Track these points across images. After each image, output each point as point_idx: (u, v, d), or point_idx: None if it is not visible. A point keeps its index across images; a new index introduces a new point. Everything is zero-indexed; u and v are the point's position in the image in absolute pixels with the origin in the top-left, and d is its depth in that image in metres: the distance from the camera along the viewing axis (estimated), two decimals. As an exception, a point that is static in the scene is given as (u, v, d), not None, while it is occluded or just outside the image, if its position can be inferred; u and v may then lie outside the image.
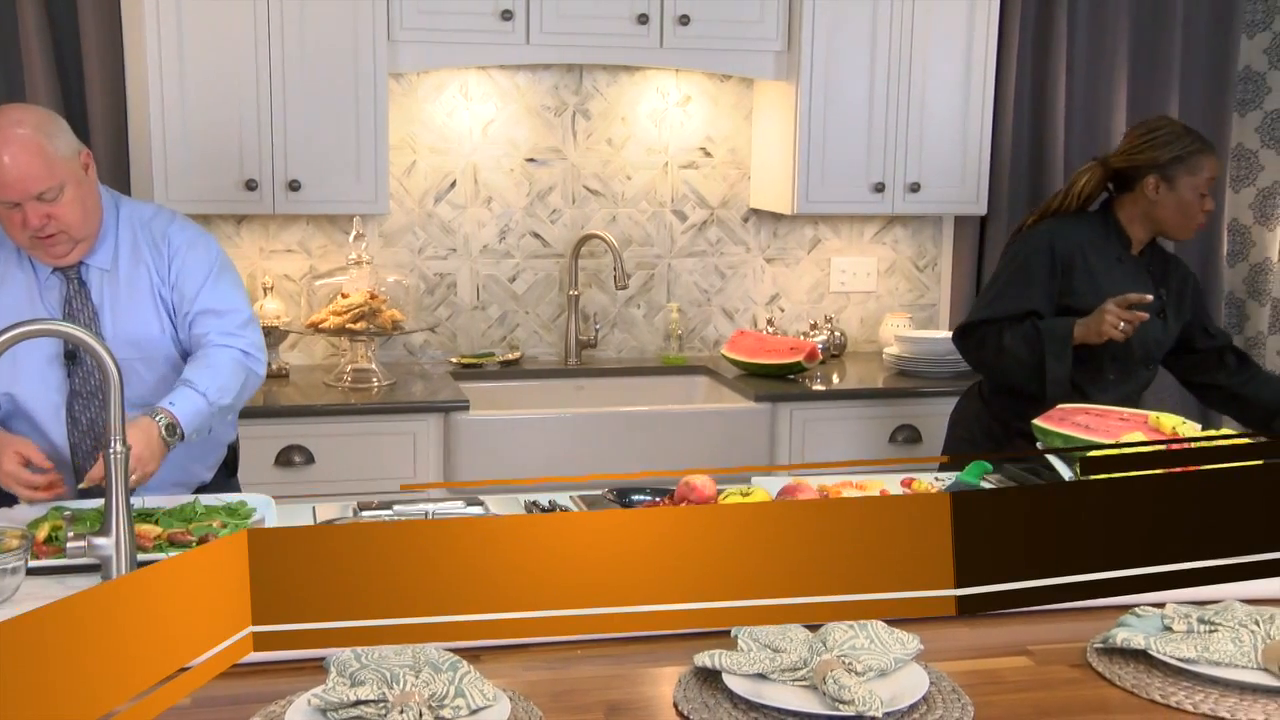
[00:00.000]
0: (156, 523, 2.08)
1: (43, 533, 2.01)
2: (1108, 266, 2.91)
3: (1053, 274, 2.89)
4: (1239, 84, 4.32)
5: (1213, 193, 2.94)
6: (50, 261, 2.35)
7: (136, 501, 2.09)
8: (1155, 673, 1.66)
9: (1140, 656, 1.70)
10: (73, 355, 2.37)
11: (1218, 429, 2.36)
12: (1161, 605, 1.79)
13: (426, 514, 2.17)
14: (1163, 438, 2.31)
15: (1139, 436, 2.26)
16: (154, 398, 2.36)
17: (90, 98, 3.42)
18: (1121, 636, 1.70)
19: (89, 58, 3.41)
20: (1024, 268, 2.92)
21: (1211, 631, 1.69)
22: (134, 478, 2.13)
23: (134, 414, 2.28)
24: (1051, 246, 2.90)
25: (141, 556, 1.92)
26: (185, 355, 2.46)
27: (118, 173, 3.45)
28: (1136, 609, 1.80)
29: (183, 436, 2.26)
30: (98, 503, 2.15)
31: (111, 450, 1.86)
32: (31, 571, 1.87)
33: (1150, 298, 2.79)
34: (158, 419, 2.22)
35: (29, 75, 3.38)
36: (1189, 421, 2.38)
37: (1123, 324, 2.74)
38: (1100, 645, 1.73)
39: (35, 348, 2.33)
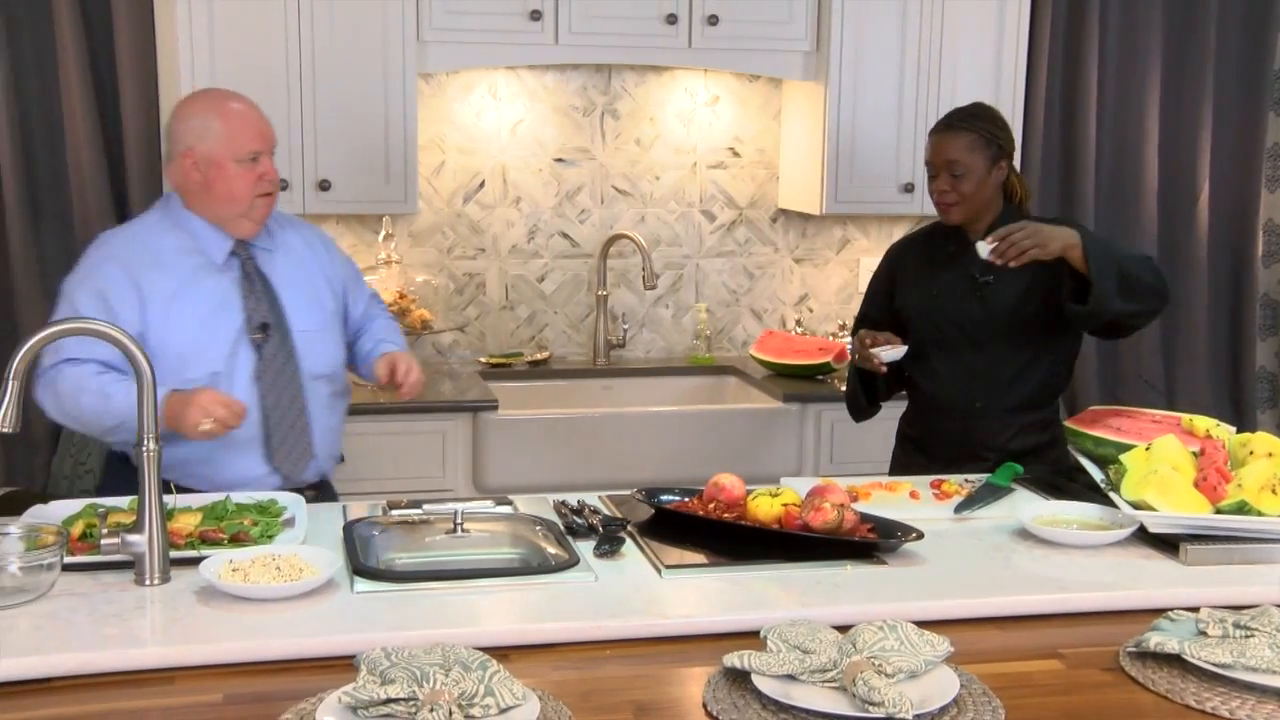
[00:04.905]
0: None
1: (77, 529, 2.02)
2: (933, 269, 2.82)
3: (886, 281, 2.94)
4: (1275, 82, 4.27)
5: None
6: (252, 229, 2.46)
7: (169, 500, 2.11)
8: (1189, 678, 1.65)
9: (1174, 661, 1.68)
10: (263, 328, 2.45)
11: (1253, 432, 2.33)
12: (1196, 609, 1.77)
13: (456, 513, 2.18)
14: (1196, 441, 2.29)
15: (1172, 439, 2.24)
16: (335, 367, 2.57)
17: (124, 99, 3.45)
18: (1155, 640, 1.68)
19: (122, 59, 3.44)
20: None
21: (1248, 637, 1.67)
22: (415, 389, 2.54)
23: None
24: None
25: (174, 554, 1.94)
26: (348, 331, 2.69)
27: (152, 174, 3.47)
28: (1170, 613, 1.78)
29: None
30: (131, 499, 2.17)
31: (144, 449, 1.88)
32: (67, 568, 1.89)
33: (882, 339, 2.72)
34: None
35: (64, 77, 3.41)
36: (1223, 424, 2.35)
37: (858, 357, 2.79)
38: (1133, 649, 1.72)
39: (223, 329, 2.41)
